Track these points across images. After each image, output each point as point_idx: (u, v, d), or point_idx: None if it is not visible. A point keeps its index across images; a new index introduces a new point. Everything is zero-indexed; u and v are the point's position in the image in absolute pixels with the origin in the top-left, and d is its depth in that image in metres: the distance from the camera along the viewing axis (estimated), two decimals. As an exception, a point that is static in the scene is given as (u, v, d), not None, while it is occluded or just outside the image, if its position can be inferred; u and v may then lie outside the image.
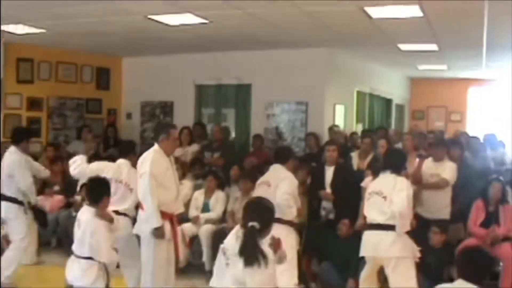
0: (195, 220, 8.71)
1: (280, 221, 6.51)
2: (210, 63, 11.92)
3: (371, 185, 6.48)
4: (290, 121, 11.37)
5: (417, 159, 8.25)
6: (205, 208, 8.86)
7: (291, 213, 6.82)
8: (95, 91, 12.95)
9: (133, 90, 13.03)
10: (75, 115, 12.62)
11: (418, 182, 8.19)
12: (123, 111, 13.33)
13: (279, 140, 11.43)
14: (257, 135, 11.28)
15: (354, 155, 9.32)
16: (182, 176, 9.26)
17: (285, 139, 11.40)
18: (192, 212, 8.85)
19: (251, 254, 4.13)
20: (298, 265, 7.24)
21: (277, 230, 4.60)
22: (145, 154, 6.60)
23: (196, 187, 9.27)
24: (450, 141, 9.71)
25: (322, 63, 11.14)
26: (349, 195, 8.00)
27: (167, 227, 6.52)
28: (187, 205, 8.95)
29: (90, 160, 10.06)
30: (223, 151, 10.61)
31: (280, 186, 6.84)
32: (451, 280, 5.63)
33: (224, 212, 8.87)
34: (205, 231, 8.48)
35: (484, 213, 7.78)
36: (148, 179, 6.37)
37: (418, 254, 6.33)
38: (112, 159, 9.71)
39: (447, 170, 8.06)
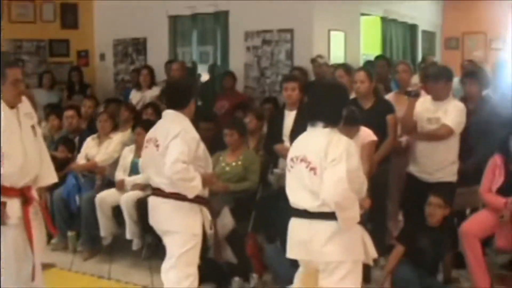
0: (120, 186, 6.30)
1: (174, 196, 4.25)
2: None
3: (292, 147, 3.88)
4: (274, 54, 8.70)
5: (407, 98, 5.56)
6: (134, 170, 6.42)
7: (191, 188, 4.25)
8: (59, 31, 10.53)
9: (105, 27, 10.51)
10: (35, 60, 10.32)
11: (409, 130, 5.56)
12: (96, 51, 10.86)
13: (261, 78, 8.81)
14: (227, 72, 8.78)
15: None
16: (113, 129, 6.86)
17: (268, 76, 8.75)
18: (118, 175, 6.43)
19: None
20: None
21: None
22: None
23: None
24: (465, 72, 6.93)
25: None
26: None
27: (14, 207, 4.30)
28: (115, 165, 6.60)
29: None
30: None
31: (171, 146, 4.27)
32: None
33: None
34: (125, 200, 6.07)
35: (503, 175, 5.12)
36: None
37: (373, 255, 3.79)
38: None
39: (451, 113, 5.36)
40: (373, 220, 5.61)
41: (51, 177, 4.72)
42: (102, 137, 6.79)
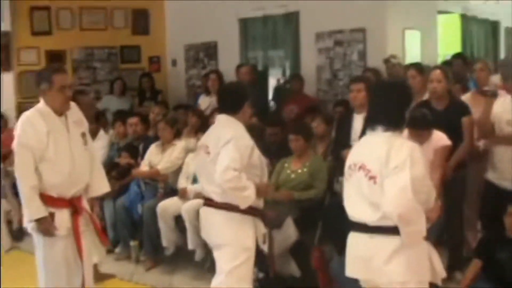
0: (182, 194, 6.04)
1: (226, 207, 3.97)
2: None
3: (350, 153, 3.48)
4: (346, 55, 8.26)
5: (484, 98, 5.05)
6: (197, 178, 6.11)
7: (243, 198, 3.93)
8: (131, 37, 10.36)
9: (177, 32, 10.34)
10: (107, 67, 10.20)
11: (486, 133, 5.05)
12: (168, 57, 10.72)
13: (334, 80, 8.39)
14: (295, 74, 8.42)
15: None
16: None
17: (340, 78, 8.32)
18: (181, 183, 6.18)
19: None
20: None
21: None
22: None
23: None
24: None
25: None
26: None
27: (63, 218, 4.16)
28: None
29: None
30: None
31: (222, 153, 3.96)
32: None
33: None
34: (187, 209, 5.77)
35: None
36: (18, 153, 4.10)
37: (441, 274, 3.34)
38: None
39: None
40: (449, 230, 5.14)
41: (103, 187, 4.54)
42: (166, 144, 6.55)
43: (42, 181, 4.08)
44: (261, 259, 4.30)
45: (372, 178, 3.15)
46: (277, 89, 9.19)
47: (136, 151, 6.95)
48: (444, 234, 5.15)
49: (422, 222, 3.09)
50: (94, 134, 7.57)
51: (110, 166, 7.01)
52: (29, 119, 4.12)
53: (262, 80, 9.30)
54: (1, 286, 5.25)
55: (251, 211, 3.97)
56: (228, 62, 9.30)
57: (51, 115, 4.14)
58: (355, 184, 3.25)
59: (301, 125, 5.99)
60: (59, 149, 4.11)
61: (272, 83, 9.47)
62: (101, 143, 7.45)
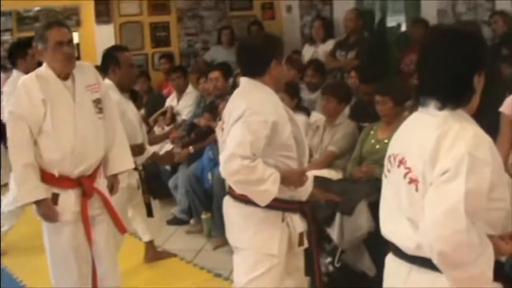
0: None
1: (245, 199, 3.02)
2: None
3: (393, 138, 2.27)
4: (472, -2, 6.76)
5: None
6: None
7: (259, 193, 2.90)
8: (241, -18, 9.46)
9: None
10: (215, 15, 9.33)
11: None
12: (282, 3, 9.62)
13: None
14: (417, 19, 6.99)
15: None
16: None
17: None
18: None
19: None
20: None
21: None
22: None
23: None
24: None
25: None
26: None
27: (68, 200, 3.43)
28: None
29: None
30: (361, 49, 6.62)
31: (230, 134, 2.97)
32: None
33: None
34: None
35: None
36: (10, 124, 3.39)
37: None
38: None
39: None
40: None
41: (126, 163, 3.73)
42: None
43: (42, 157, 3.36)
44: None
45: (413, 181, 2.01)
46: (395, 37, 7.89)
47: (217, 111, 6.09)
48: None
49: (483, 262, 1.89)
50: (181, 91, 6.87)
51: (190, 127, 6.26)
52: (25, 85, 3.36)
53: (379, 27, 8.06)
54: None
55: (280, 205, 2.96)
56: (343, 8, 8.10)
57: (53, 79, 3.36)
58: (394, 186, 2.13)
59: (390, 84, 4.78)
60: (59, 120, 3.33)
61: (390, 30, 8.15)
62: (187, 101, 6.72)
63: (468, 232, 1.84)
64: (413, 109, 4.71)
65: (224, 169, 2.85)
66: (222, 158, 2.85)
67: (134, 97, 7.28)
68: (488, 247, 1.91)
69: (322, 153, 4.75)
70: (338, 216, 4.12)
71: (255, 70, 3.01)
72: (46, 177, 3.38)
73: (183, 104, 6.77)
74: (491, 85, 3.67)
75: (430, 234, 1.89)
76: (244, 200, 2.94)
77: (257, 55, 3.02)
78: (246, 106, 2.89)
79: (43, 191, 3.33)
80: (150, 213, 4.50)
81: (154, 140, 6.64)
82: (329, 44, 7.08)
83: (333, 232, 4.16)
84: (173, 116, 6.78)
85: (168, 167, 6.18)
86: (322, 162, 4.69)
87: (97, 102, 3.52)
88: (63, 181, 3.40)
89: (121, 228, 3.63)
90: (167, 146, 6.30)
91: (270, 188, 2.83)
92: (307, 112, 5.34)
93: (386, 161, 2.22)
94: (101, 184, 3.58)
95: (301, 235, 3.04)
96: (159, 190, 6.34)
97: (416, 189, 2.00)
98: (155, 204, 4.75)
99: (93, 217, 3.53)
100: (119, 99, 4.23)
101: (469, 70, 2.05)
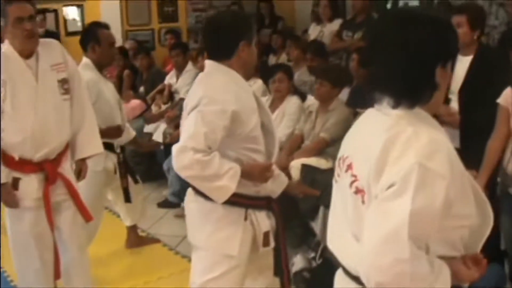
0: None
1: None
2: None
3: (345, 137, 1.97)
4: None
5: None
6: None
7: (214, 190, 2.66)
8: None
9: None
10: (224, -9, 9.10)
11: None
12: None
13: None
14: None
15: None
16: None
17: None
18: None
19: None
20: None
21: None
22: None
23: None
24: None
25: None
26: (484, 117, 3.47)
27: (30, 185, 3.24)
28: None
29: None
30: (367, 30, 6.29)
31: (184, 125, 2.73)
32: None
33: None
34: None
35: None
36: None
37: None
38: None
39: None
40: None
41: (94, 147, 3.51)
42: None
43: (4, 140, 3.16)
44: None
45: (359, 191, 1.73)
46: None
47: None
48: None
49: None
50: (181, 68, 6.63)
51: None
52: None
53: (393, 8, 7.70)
54: None
55: (243, 201, 2.72)
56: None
57: (14, 57, 3.13)
58: (342, 194, 1.86)
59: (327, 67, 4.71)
60: (19, 101, 3.11)
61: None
62: (186, 79, 6.47)
63: (413, 261, 1.55)
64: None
65: (175, 163, 2.60)
66: (173, 151, 2.59)
67: (135, 73, 7.11)
68: (441, 275, 1.63)
69: (313, 139, 4.50)
70: (321, 209, 3.88)
71: (220, 52, 2.72)
72: (7, 160, 3.17)
73: (181, 82, 6.52)
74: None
75: (366, 262, 1.61)
76: (204, 194, 2.70)
77: (223, 36, 2.72)
78: (203, 93, 2.61)
79: (2, 175, 3.14)
80: (127, 199, 4.30)
81: (150, 119, 6.45)
82: (336, 24, 6.74)
83: (317, 226, 3.93)
84: (171, 95, 6.55)
85: (162, 148, 5.97)
86: (312, 149, 4.43)
87: (63, 82, 3.30)
88: (25, 165, 3.20)
89: (86, 216, 3.42)
90: (162, 126, 6.09)
91: (227, 184, 2.56)
92: (303, 96, 5.06)
93: (336, 163, 1.95)
94: (67, 169, 3.37)
95: (266, 234, 2.79)
96: (154, 171, 6.21)
97: (363, 201, 1.71)
98: (138, 188, 4.56)
99: (58, 203, 3.34)
100: (96, 78, 4.02)
101: (429, 61, 1.70)
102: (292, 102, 4.78)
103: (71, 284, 3.52)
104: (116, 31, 8.21)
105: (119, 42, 8.13)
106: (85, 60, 4.07)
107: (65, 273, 3.46)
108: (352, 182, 1.77)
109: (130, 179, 4.38)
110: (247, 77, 2.85)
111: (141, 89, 7.03)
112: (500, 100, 3.42)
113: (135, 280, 4.17)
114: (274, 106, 4.87)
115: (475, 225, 1.76)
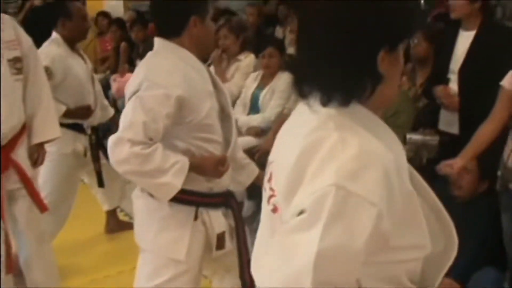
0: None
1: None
2: None
3: (276, 141, 1.50)
4: None
5: None
6: (254, 106, 4.58)
7: (157, 186, 2.34)
8: None
9: None
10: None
11: None
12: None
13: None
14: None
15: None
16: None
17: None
18: (236, 112, 4.61)
19: None
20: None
21: None
22: None
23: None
24: None
25: None
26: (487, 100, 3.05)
27: None
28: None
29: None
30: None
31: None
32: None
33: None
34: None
35: None
36: None
37: None
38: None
39: None
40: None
41: (51, 131, 3.22)
42: (230, 59, 4.99)
43: None
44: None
45: (276, 210, 1.33)
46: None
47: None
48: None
49: None
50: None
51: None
52: None
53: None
54: None
55: (194, 199, 2.39)
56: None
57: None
58: (264, 207, 1.45)
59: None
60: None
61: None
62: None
63: None
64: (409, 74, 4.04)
65: (111, 157, 2.28)
66: (109, 142, 2.27)
67: (131, 47, 6.79)
68: None
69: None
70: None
71: (169, 29, 2.38)
72: (-42, 146, 2.92)
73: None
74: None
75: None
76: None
77: (171, 10, 2.39)
78: (144, 76, 2.28)
79: None
80: (101, 183, 4.01)
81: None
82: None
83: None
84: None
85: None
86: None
87: (15, 61, 3.00)
88: (-25, 152, 2.94)
89: (41, 206, 3.14)
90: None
91: (171, 180, 2.24)
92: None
93: (267, 167, 1.57)
94: (21, 155, 3.09)
95: (220, 236, 2.47)
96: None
97: (281, 220, 1.31)
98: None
99: (13, 192, 3.07)
100: (64, 54, 3.72)
101: (366, 46, 1.26)
102: (283, 79, 4.40)
103: (32, 276, 3.28)
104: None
105: (120, 13, 7.90)
106: (54, 35, 3.77)
107: (25, 266, 3.23)
108: (270, 197, 1.38)
109: (107, 161, 4.11)
110: (203, 57, 2.50)
111: (138, 62, 6.72)
112: (504, 82, 3.02)
113: (110, 269, 3.91)
114: (264, 82, 4.53)
115: (434, 254, 1.39)
